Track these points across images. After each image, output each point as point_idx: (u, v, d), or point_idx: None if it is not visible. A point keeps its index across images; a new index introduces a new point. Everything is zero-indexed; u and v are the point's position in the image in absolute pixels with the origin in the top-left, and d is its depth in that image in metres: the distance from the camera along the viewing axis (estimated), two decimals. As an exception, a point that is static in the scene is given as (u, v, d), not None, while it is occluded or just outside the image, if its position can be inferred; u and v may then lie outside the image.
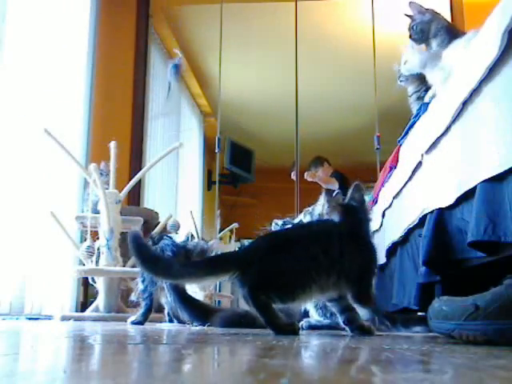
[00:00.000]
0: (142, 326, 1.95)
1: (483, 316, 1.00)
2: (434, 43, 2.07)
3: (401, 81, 2.49)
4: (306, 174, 5.23)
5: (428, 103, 2.03)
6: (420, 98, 2.42)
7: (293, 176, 5.18)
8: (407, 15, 2.17)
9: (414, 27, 2.12)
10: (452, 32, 2.02)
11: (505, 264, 1.35)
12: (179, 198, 5.97)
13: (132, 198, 4.17)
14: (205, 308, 2.16)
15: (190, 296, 2.16)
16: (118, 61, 4.61)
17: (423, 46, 2.14)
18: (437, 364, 0.76)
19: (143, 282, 2.02)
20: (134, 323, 2.03)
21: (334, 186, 5.22)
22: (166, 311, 2.19)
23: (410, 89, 2.48)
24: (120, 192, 3.11)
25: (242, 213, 6.83)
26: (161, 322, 2.35)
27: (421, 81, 2.47)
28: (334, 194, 1.85)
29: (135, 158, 4.56)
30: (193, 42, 5.71)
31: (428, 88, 2.43)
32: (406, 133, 2.40)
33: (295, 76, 5.00)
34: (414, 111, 2.45)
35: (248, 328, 1.83)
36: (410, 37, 2.16)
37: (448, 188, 1.59)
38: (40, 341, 1.25)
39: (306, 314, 1.97)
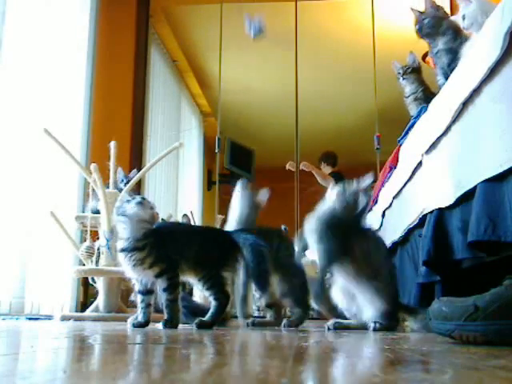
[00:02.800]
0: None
1: (483, 317, 1.00)
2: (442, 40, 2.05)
3: (404, 78, 2.49)
4: (302, 164, 5.19)
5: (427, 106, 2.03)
6: (417, 100, 2.42)
7: (288, 167, 5.18)
8: (413, 10, 2.16)
9: (426, 21, 2.09)
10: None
11: (505, 264, 1.35)
12: (179, 198, 5.97)
13: (132, 198, 4.16)
14: (199, 308, 2.14)
15: (184, 296, 2.14)
16: (118, 61, 4.60)
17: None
18: (437, 364, 0.76)
19: None
20: (135, 326, 1.97)
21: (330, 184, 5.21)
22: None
23: (407, 90, 2.49)
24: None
25: (241, 213, 6.82)
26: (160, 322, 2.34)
27: (418, 82, 2.47)
28: None
29: (135, 158, 4.56)
30: (193, 42, 5.71)
31: (425, 89, 2.44)
32: (406, 133, 2.41)
33: (295, 76, 5.00)
34: (411, 112, 2.45)
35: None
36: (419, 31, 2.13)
37: (448, 188, 1.59)
38: (40, 341, 1.25)
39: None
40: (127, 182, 3.17)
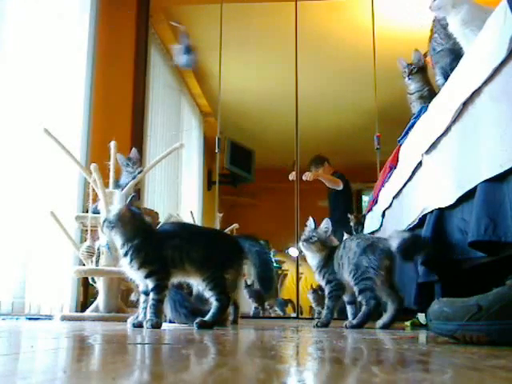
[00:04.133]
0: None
1: (486, 316, 1.00)
2: None
3: (409, 78, 2.46)
4: (304, 175, 5.15)
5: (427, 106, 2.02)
6: (422, 98, 2.41)
7: (291, 177, 5.16)
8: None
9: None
10: None
11: (505, 264, 1.35)
12: (179, 198, 5.97)
13: (132, 199, 4.16)
14: (199, 309, 2.13)
15: (181, 296, 2.13)
16: (118, 61, 4.60)
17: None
18: (437, 364, 0.76)
19: None
20: (135, 326, 1.96)
21: (339, 186, 5.16)
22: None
23: (412, 87, 2.46)
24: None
25: (241, 213, 6.83)
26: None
27: (424, 81, 2.46)
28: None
29: (135, 158, 4.56)
30: (193, 42, 5.71)
31: (430, 88, 2.42)
32: (406, 133, 2.40)
33: (295, 76, 5.00)
34: (414, 110, 2.44)
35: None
36: None
37: (448, 188, 1.59)
38: (40, 341, 1.25)
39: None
40: (132, 164, 3.16)
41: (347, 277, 2.05)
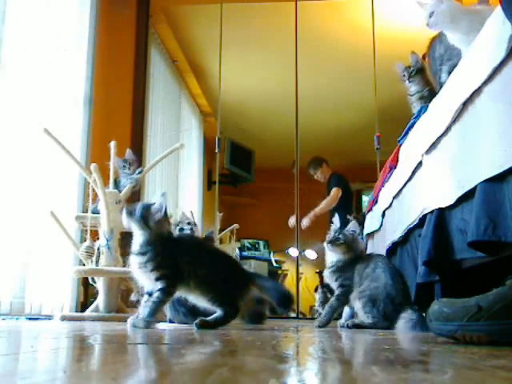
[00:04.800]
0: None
1: (487, 317, 1.00)
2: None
3: (410, 81, 2.45)
4: (302, 224, 5.05)
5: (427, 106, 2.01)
6: (423, 98, 2.40)
7: (290, 224, 5.16)
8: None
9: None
10: None
11: (505, 264, 1.35)
12: (179, 198, 5.97)
13: (132, 198, 4.16)
14: (198, 307, 2.13)
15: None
16: (118, 61, 4.60)
17: None
18: (437, 364, 0.76)
19: None
20: (135, 326, 1.95)
21: (338, 197, 5.11)
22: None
23: (413, 88, 2.46)
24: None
25: (241, 213, 6.83)
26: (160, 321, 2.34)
27: (424, 82, 2.45)
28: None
29: (135, 158, 4.56)
30: (193, 42, 5.71)
31: (431, 89, 2.42)
32: (406, 133, 2.40)
33: (295, 76, 5.00)
34: (415, 110, 2.44)
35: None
36: None
37: (448, 188, 1.59)
38: (40, 341, 1.25)
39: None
40: (128, 165, 3.16)
41: (358, 292, 2.04)
